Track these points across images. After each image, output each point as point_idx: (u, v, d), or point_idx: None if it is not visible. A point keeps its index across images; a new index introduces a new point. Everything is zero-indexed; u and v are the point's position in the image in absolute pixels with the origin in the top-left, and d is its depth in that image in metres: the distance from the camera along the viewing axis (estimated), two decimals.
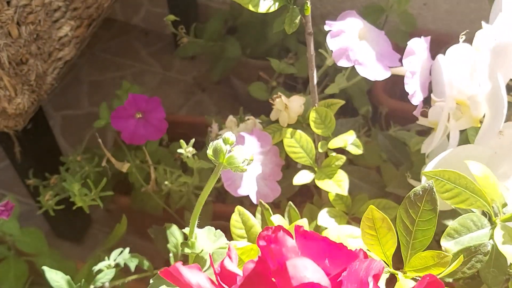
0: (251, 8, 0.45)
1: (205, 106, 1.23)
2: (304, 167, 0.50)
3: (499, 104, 0.40)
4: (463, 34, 0.48)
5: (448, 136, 0.47)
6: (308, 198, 0.54)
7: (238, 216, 0.44)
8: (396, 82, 0.57)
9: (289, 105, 0.54)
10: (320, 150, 0.50)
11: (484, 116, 0.44)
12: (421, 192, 0.31)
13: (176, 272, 0.22)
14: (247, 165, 0.33)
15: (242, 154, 0.33)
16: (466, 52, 0.45)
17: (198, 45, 0.82)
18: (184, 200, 0.61)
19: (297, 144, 0.49)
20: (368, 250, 0.31)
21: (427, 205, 0.31)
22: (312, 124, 0.50)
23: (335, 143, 0.48)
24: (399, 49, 0.96)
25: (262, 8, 0.45)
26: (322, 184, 0.46)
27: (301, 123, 0.56)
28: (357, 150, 0.50)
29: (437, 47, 1.04)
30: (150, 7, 1.35)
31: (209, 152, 0.33)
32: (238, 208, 0.44)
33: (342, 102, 0.52)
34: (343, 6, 1.13)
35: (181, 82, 1.28)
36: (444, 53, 0.95)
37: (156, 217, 0.76)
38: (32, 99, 0.69)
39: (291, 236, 0.22)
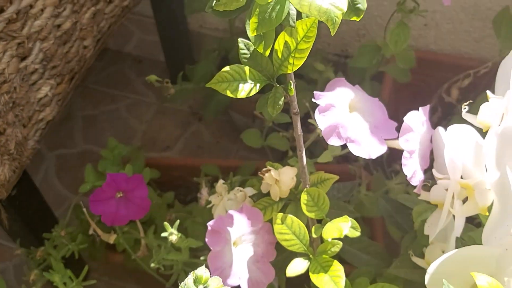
0: (229, 94, 0.41)
1: (203, 137, 1.19)
2: (298, 253, 0.46)
3: (508, 201, 0.36)
4: (466, 105, 0.43)
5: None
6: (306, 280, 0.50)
7: None
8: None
9: (280, 179, 0.50)
10: (314, 236, 0.46)
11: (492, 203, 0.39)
12: None
13: None
14: None
15: None
16: (469, 134, 0.40)
17: (187, 91, 0.78)
18: (174, 278, 0.57)
19: (289, 231, 0.45)
20: None
21: None
22: (304, 207, 0.46)
23: (329, 232, 0.44)
24: (399, 85, 0.92)
25: (242, 94, 0.41)
26: (317, 279, 0.43)
27: (295, 194, 0.52)
28: (355, 233, 0.46)
29: (440, 68, 1.00)
30: (142, 35, 1.31)
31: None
32: None
33: (336, 177, 0.48)
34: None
35: (177, 112, 1.24)
36: (446, 78, 0.91)
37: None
38: (13, 167, 0.65)
39: None
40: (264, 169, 0.51)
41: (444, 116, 0.86)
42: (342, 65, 1.11)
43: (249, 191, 0.54)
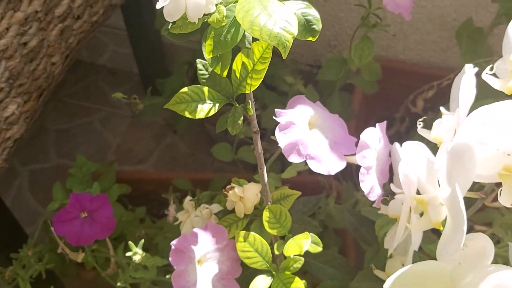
0: (187, 115, 0.42)
1: (178, 149, 1.19)
2: (262, 270, 0.47)
3: (458, 217, 0.37)
4: (420, 121, 0.44)
5: None
6: None
7: None
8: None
9: (244, 196, 0.51)
10: (276, 252, 0.46)
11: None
12: None
13: None
14: None
15: None
16: (421, 150, 0.41)
17: (157, 106, 0.78)
18: None
19: (252, 248, 0.46)
20: None
21: None
22: (266, 225, 0.46)
23: (290, 250, 0.44)
24: (367, 97, 0.94)
25: (201, 114, 0.42)
26: None
27: (260, 210, 0.52)
28: (316, 248, 0.46)
29: (409, 78, 1.02)
30: (116, 47, 1.31)
31: None
32: None
33: (298, 193, 0.49)
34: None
35: (151, 124, 1.24)
36: (416, 87, 0.92)
37: None
38: None
39: None
40: (228, 186, 0.51)
41: (411, 125, 0.88)
42: (315, 75, 1.12)
43: (215, 208, 0.55)
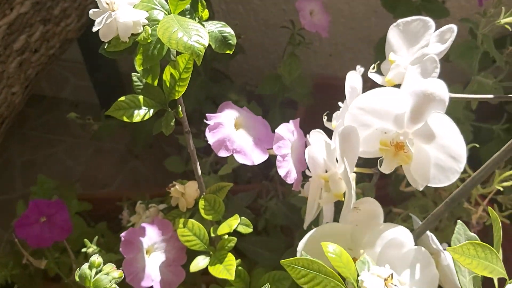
0: (125, 119, 0.49)
1: (139, 173, 1.26)
2: (201, 252, 0.54)
3: (348, 186, 0.45)
4: (324, 115, 0.53)
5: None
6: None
7: None
8: None
9: (185, 192, 0.58)
10: (212, 234, 0.54)
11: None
12: None
13: None
14: (115, 282, 0.37)
15: (110, 273, 0.37)
16: (322, 136, 0.50)
17: (112, 127, 0.85)
18: None
19: (190, 233, 0.53)
20: None
21: None
22: (202, 212, 0.54)
23: (222, 229, 0.52)
24: (310, 112, 1.03)
25: (137, 118, 0.49)
26: (214, 270, 0.50)
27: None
28: (246, 229, 0.54)
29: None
30: (76, 80, 1.38)
31: (76, 278, 0.36)
32: None
33: (231, 184, 0.57)
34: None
35: (113, 151, 1.30)
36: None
37: None
38: None
39: None
40: (170, 185, 0.58)
41: None
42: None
43: (161, 206, 0.62)
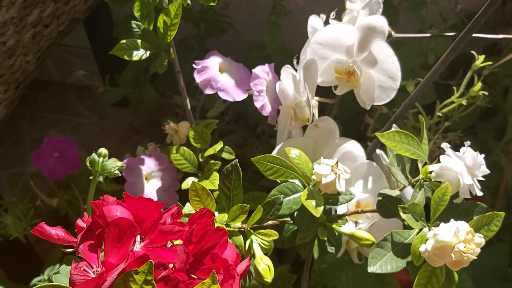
0: (126, 58, 0.59)
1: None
2: (191, 174, 0.63)
3: (309, 106, 0.55)
4: (295, 57, 0.63)
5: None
6: None
7: None
8: None
9: (178, 129, 0.68)
10: (200, 159, 0.63)
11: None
12: (230, 168, 0.45)
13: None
14: (118, 169, 0.46)
15: (114, 163, 0.46)
16: (290, 71, 0.60)
17: (115, 93, 0.95)
18: None
19: (182, 157, 0.63)
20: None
21: (235, 176, 0.45)
22: (191, 140, 0.64)
23: (208, 152, 0.62)
24: None
25: (135, 57, 0.59)
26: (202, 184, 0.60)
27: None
28: (229, 156, 0.63)
29: None
30: (83, 65, 1.48)
31: (87, 164, 0.45)
32: None
33: (216, 121, 0.67)
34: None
35: (117, 129, 1.40)
36: None
37: None
38: None
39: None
40: (165, 122, 0.68)
41: None
42: None
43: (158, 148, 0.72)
